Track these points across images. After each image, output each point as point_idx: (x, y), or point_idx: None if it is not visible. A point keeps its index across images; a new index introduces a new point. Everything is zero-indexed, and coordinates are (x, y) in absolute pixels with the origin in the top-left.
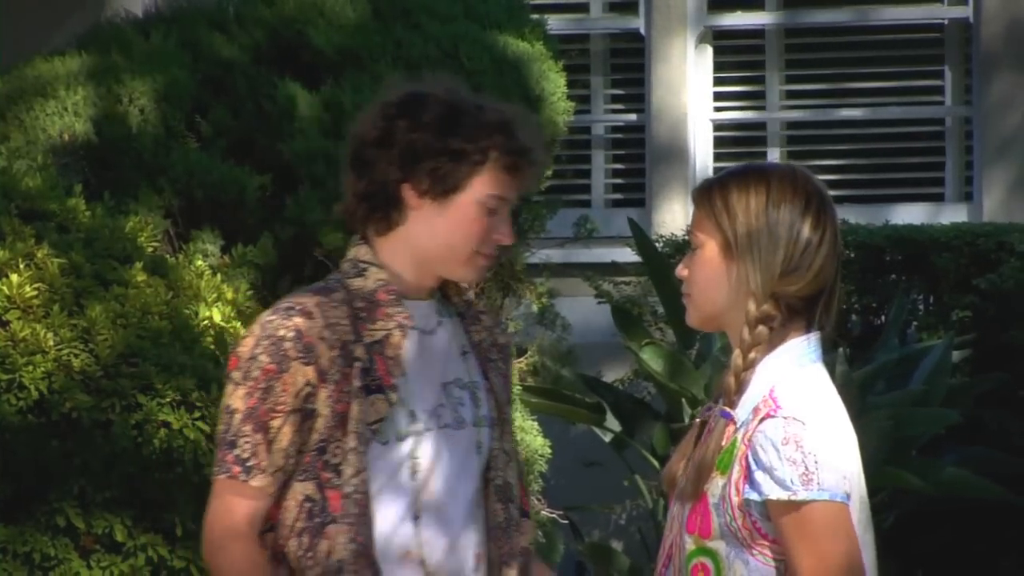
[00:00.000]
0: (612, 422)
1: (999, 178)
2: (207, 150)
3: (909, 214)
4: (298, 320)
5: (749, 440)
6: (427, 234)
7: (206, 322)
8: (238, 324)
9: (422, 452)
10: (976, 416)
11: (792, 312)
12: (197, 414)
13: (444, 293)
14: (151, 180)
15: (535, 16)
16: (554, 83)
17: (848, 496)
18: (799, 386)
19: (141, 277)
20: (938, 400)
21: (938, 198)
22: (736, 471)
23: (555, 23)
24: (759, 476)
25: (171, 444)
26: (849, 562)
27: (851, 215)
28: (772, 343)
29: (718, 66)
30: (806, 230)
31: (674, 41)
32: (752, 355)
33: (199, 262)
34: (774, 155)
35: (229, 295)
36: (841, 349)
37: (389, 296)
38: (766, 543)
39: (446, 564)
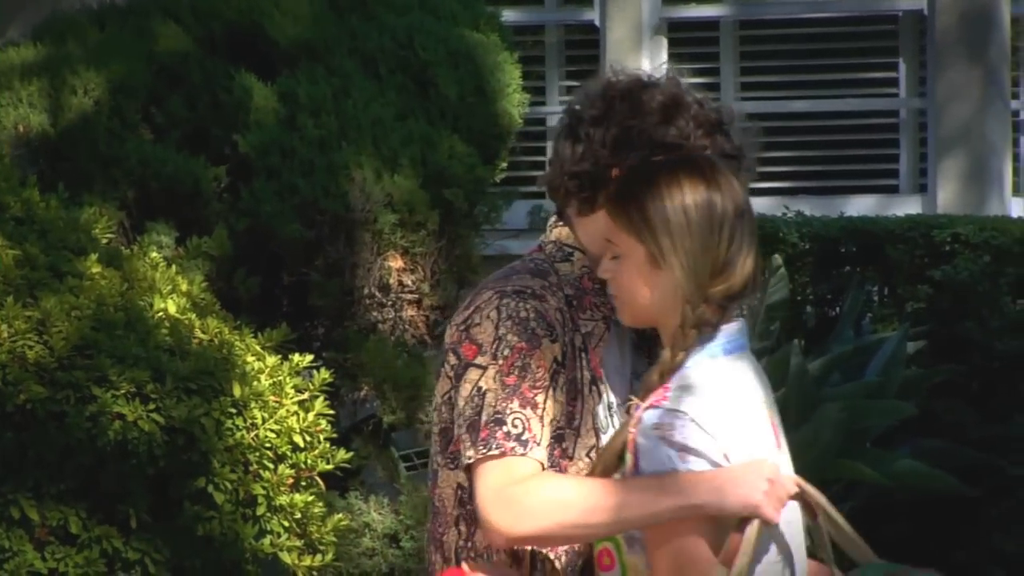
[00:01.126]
0: None
1: (953, 170)
2: (162, 141)
3: (864, 206)
4: (534, 303)
5: (635, 428)
6: None
7: (161, 314)
8: (192, 316)
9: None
10: (930, 408)
11: (724, 309)
12: (151, 406)
13: None
14: (106, 171)
15: (490, 8)
16: (509, 74)
17: None
18: (695, 379)
19: (96, 269)
20: (893, 391)
21: (892, 190)
22: (629, 459)
23: (510, 15)
24: (641, 462)
25: (125, 436)
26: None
27: (806, 207)
28: (701, 340)
29: (673, 58)
30: (728, 228)
31: (629, 33)
32: (681, 356)
33: (154, 254)
34: None
35: (184, 287)
36: (796, 341)
37: (594, 284)
38: None
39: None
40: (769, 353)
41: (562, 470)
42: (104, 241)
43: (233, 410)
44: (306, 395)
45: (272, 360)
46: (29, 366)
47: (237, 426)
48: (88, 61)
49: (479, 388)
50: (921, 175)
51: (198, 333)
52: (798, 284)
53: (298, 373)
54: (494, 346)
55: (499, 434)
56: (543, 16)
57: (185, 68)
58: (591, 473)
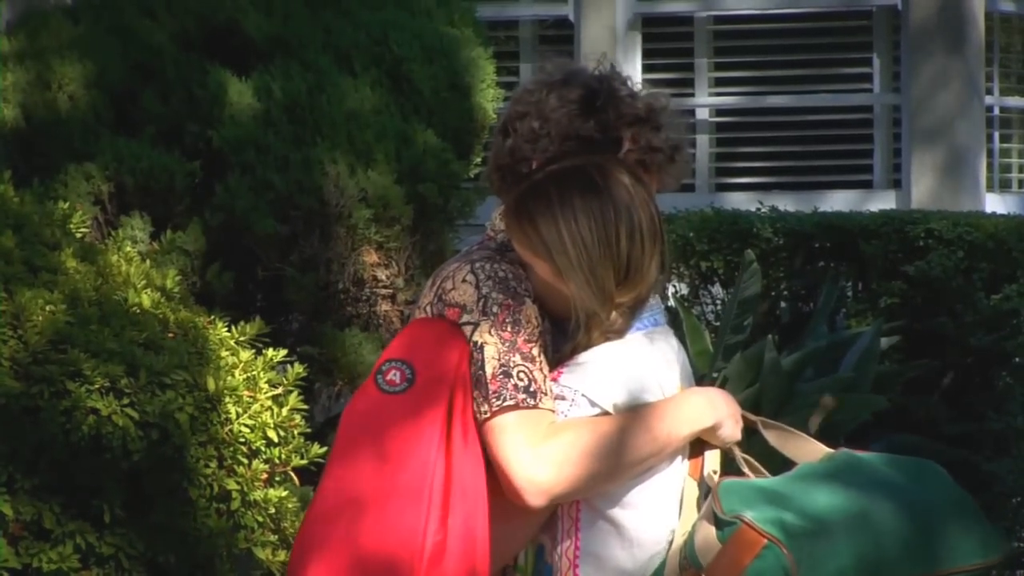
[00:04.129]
0: None
1: (927, 165)
2: (137, 137)
3: (838, 201)
4: (507, 265)
5: None
6: None
7: (135, 308)
8: (167, 310)
9: None
10: (904, 403)
11: (634, 312)
12: (126, 400)
13: None
14: (80, 166)
15: (464, 3)
16: (483, 70)
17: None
18: (591, 356)
19: (70, 263)
20: (866, 387)
21: (867, 185)
22: None
23: (484, 10)
24: None
25: (100, 431)
26: None
27: (780, 202)
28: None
29: (647, 53)
30: (625, 233)
31: (603, 28)
32: (582, 349)
33: (128, 248)
34: (703, 142)
35: (158, 281)
36: (769, 336)
37: None
38: None
39: None
40: (743, 348)
41: None
42: (79, 236)
43: (208, 405)
44: (280, 390)
45: (246, 355)
46: (3, 360)
47: (211, 421)
48: (63, 56)
49: (476, 343)
50: (895, 170)
51: (172, 328)
52: (772, 279)
53: (272, 368)
54: (480, 303)
55: (510, 386)
56: (517, 11)
57: (160, 63)
58: None
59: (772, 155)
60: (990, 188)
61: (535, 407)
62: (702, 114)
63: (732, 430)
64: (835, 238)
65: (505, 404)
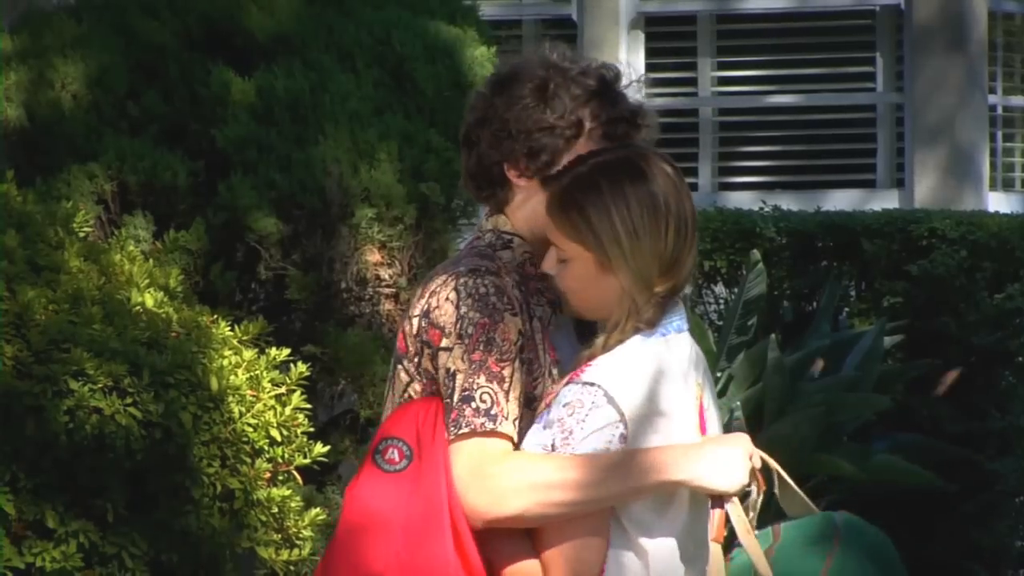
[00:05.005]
0: None
1: (930, 164)
2: (139, 136)
3: (841, 200)
4: (491, 278)
5: (550, 401)
6: (535, 209)
7: (138, 307)
8: (170, 309)
9: None
10: (907, 402)
11: (664, 305)
12: (129, 400)
13: None
14: (83, 165)
15: (467, 2)
16: (486, 69)
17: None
18: (618, 358)
19: (73, 262)
20: (869, 386)
21: (870, 184)
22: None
23: (487, 9)
24: (534, 427)
25: (103, 430)
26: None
27: (783, 201)
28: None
29: (650, 52)
30: (673, 224)
31: (606, 27)
32: (615, 341)
33: (131, 247)
34: (706, 141)
35: (161, 280)
36: (773, 335)
37: (535, 270)
38: None
39: None
40: (746, 348)
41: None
42: (82, 235)
43: (210, 404)
44: (283, 389)
45: (249, 354)
46: (6, 359)
47: (214, 420)
48: (65, 55)
49: (448, 370)
50: (898, 169)
51: (175, 327)
52: (775, 279)
53: (275, 367)
54: (457, 326)
55: (468, 412)
56: (521, 11)
57: (162, 62)
58: None
59: (775, 154)
60: (993, 187)
61: (492, 431)
62: (705, 113)
63: (722, 483)
64: (838, 237)
65: (461, 432)
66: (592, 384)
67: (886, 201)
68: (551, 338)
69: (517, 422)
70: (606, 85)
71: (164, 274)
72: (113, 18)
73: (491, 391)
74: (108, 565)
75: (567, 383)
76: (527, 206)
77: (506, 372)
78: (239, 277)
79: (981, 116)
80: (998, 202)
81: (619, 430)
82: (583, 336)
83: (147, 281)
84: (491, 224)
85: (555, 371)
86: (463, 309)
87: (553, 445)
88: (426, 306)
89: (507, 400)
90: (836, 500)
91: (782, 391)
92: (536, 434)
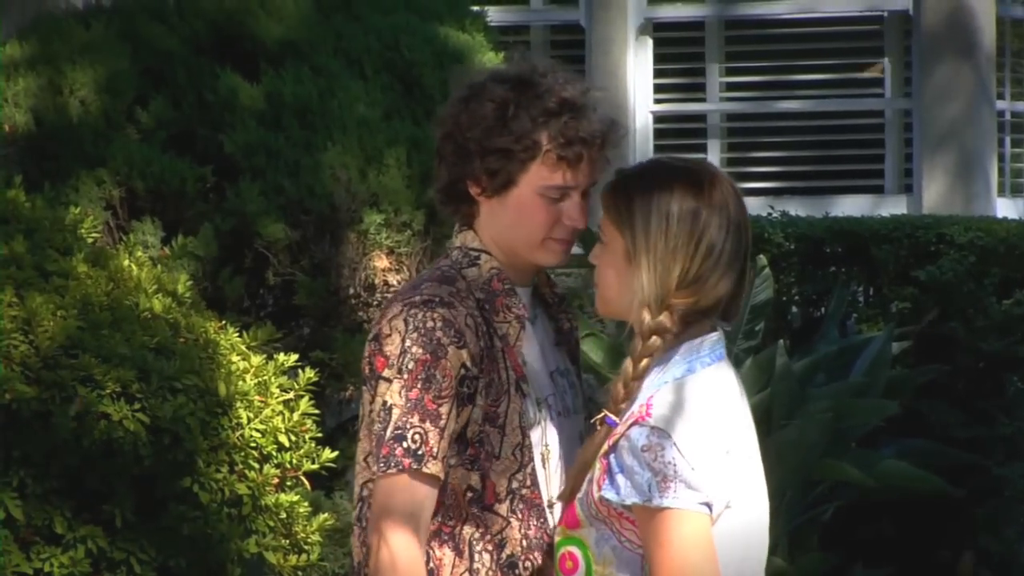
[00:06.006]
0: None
1: (939, 170)
2: (148, 141)
3: (850, 206)
4: (442, 311)
5: (614, 443)
6: (499, 226)
7: (146, 313)
8: (178, 315)
9: (550, 440)
10: (915, 408)
11: (687, 323)
12: (137, 405)
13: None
14: (92, 171)
15: (475, 8)
16: None
17: (710, 506)
18: (676, 394)
19: (82, 268)
20: (878, 392)
21: (878, 190)
22: (597, 469)
23: (495, 15)
24: (619, 479)
25: (111, 435)
26: (700, 572)
27: (792, 207)
28: (666, 350)
29: (658, 58)
30: (707, 242)
31: (614, 33)
32: (643, 364)
33: (139, 253)
34: (714, 146)
35: (169, 286)
36: (781, 341)
37: (504, 285)
38: (634, 528)
39: None
40: (754, 353)
41: (485, 472)
42: (90, 240)
43: (218, 410)
44: (291, 395)
45: (257, 359)
46: (15, 366)
47: (222, 426)
48: (74, 61)
49: (385, 402)
50: (907, 175)
51: (183, 332)
52: (783, 284)
53: (283, 373)
54: (400, 359)
55: (399, 451)
56: (528, 16)
57: (171, 68)
58: (561, 492)
59: (783, 160)
60: (1001, 193)
61: (417, 472)
62: (713, 119)
63: None
64: (846, 243)
65: (388, 471)
66: (660, 430)
67: (894, 207)
68: (520, 352)
69: (446, 459)
70: (567, 106)
71: (172, 280)
72: (121, 24)
73: (422, 431)
74: (116, 570)
75: (633, 423)
76: (493, 222)
77: (442, 410)
78: (247, 283)
79: (989, 122)
80: (1006, 208)
81: (705, 486)
82: (561, 345)
83: (155, 287)
84: (459, 240)
85: (524, 386)
86: (407, 343)
87: (650, 489)
88: (378, 331)
89: (439, 439)
90: (844, 505)
91: (790, 397)
92: (623, 485)
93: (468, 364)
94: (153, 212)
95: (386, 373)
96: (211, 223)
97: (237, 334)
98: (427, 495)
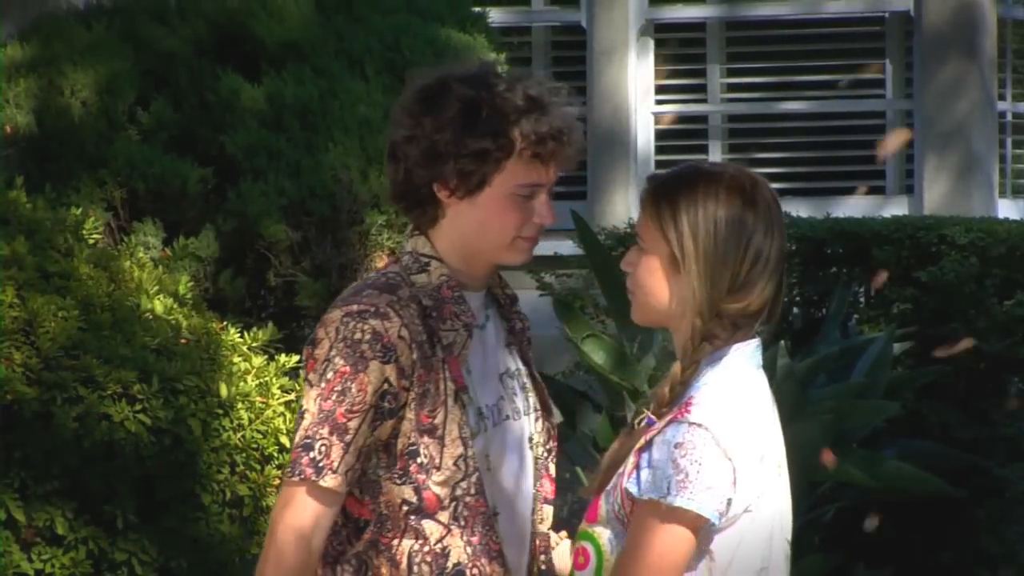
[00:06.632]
0: (555, 414)
1: (940, 171)
2: (149, 142)
3: (851, 207)
4: (374, 322)
5: (651, 438)
6: (465, 229)
7: (148, 314)
8: (179, 316)
9: (493, 449)
10: (917, 409)
11: (736, 328)
12: (138, 406)
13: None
14: (93, 172)
15: (477, 9)
16: None
17: (720, 515)
18: (719, 396)
19: (83, 269)
20: (879, 393)
21: (879, 191)
22: (630, 463)
23: (497, 16)
24: (644, 473)
25: (112, 436)
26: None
27: (792, 208)
28: (713, 354)
29: (659, 59)
30: (754, 247)
31: (615, 34)
32: (691, 370)
33: (141, 254)
34: (715, 148)
35: (171, 287)
36: (782, 342)
37: (453, 292)
38: None
39: (520, 560)
40: None
41: (420, 484)
42: (91, 242)
43: (220, 411)
44: (293, 395)
45: (258, 361)
46: (16, 367)
47: (224, 427)
48: (75, 62)
49: (302, 407)
50: (908, 176)
51: (185, 333)
52: (784, 285)
53: (285, 374)
54: (323, 367)
55: (304, 459)
56: (530, 17)
57: (172, 69)
58: (589, 487)
59: (784, 161)
60: (1003, 194)
61: (315, 484)
62: (714, 120)
63: None
64: (847, 244)
65: (292, 478)
66: (700, 426)
67: (896, 208)
68: (465, 361)
69: (350, 472)
70: (534, 102)
71: (174, 281)
72: (123, 25)
73: (328, 443)
74: (117, 571)
75: (671, 420)
76: (456, 225)
77: (351, 424)
78: (248, 284)
79: (991, 123)
80: (1008, 209)
81: (731, 487)
82: (513, 346)
83: (157, 288)
84: (411, 246)
85: (465, 397)
86: (332, 352)
87: (668, 487)
88: (314, 335)
89: (343, 453)
90: (846, 507)
91: (791, 397)
92: (645, 479)
93: (392, 379)
94: (154, 213)
95: (310, 377)
96: (212, 224)
97: (238, 335)
98: (324, 507)
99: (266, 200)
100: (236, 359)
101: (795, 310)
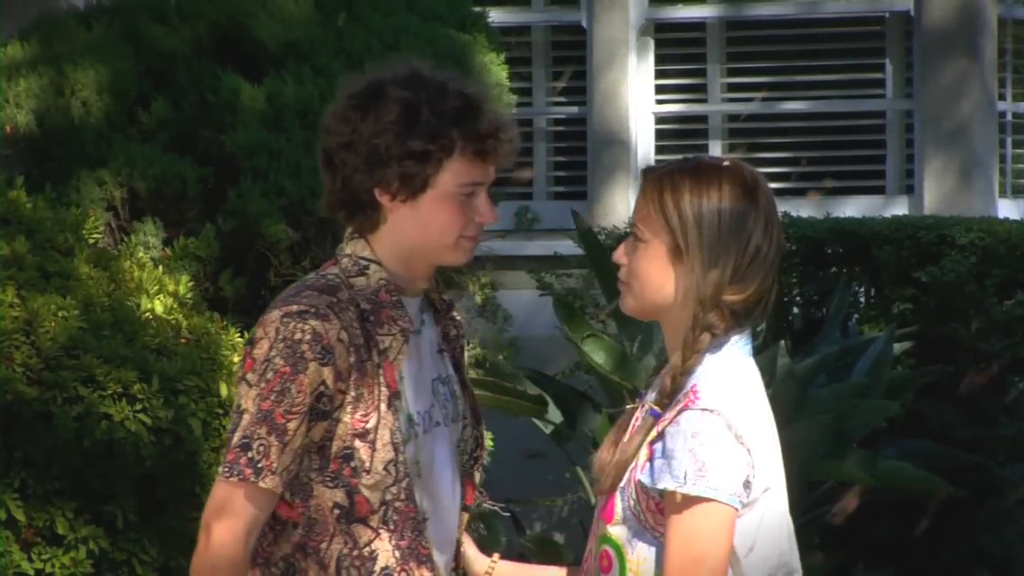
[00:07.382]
0: (555, 414)
1: (940, 171)
2: (149, 142)
3: (851, 207)
4: (314, 323)
5: (662, 430)
6: (407, 231)
7: (148, 314)
8: (179, 316)
9: (423, 455)
10: (917, 409)
11: (736, 318)
12: (138, 406)
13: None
14: (93, 172)
15: (477, 8)
16: (496, 75)
17: (740, 501)
18: (723, 381)
19: (83, 269)
20: (879, 392)
21: (879, 191)
22: (643, 455)
23: (497, 15)
24: (658, 463)
25: (112, 436)
26: (712, 566)
27: (793, 208)
28: (712, 345)
29: (660, 59)
30: (756, 239)
31: (615, 34)
32: (692, 360)
33: (141, 254)
34: (715, 148)
35: (171, 287)
36: (782, 342)
37: (391, 297)
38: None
39: (447, 565)
40: (755, 354)
41: (353, 488)
42: (91, 241)
43: (220, 410)
44: None
45: None
46: (16, 366)
47: (224, 427)
48: (75, 62)
49: (240, 407)
50: (908, 176)
51: (185, 333)
52: (784, 285)
53: None
54: (262, 367)
55: (243, 460)
56: (530, 17)
57: (172, 69)
58: (600, 486)
59: (784, 161)
60: (1003, 194)
61: (254, 484)
62: (714, 120)
63: None
64: (848, 244)
65: (228, 475)
66: (711, 411)
67: (896, 208)
68: (400, 366)
69: (285, 473)
70: (470, 101)
71: (174, 281)
72: (123, 25)
73: (266, 444)
74: (118, 571)
75: (682, 409)
76: (398, 229)
77: (290, 425)
78: (249, 284)
79: (991, 122)
80: (1008, 208)
81: (749, 469)
82: (445, 352)
83: (157, 288)
84: (350, 249)
85: (398, 402)
86: (272, 352)
87: (686, 477)
88: (254, 334)
89: (280, 454)
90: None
91: (792, 397)
92: (661, 468)
93: (328, 381)
94: (154, 213)
95: (248, 377)
96: (212, 224)
97: (239, 335)
98: (261, 507)
99: (266, 200)
100: (236, 359)
101: (795, 310)
